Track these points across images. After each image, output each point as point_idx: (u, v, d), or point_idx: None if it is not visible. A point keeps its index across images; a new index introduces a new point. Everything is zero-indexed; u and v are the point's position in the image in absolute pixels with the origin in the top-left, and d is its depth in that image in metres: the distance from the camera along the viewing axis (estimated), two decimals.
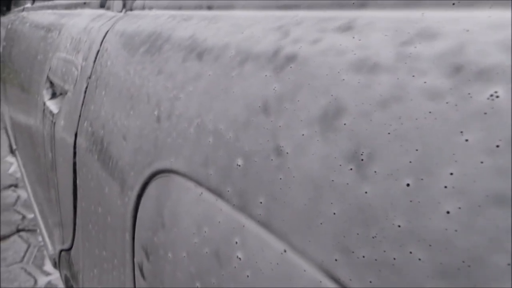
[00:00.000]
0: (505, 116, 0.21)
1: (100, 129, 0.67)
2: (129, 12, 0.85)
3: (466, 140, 0.22)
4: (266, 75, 0.37)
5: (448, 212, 0.22)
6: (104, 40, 0.81)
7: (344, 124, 0.29)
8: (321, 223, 0.28)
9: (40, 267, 2.32)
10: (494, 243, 0.20)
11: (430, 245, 0.23)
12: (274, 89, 0.35)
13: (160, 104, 0.51)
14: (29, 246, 2.51)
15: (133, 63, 0.62)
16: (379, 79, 0.28)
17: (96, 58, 0.80)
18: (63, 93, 0.97)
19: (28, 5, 2.36)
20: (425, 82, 0.25)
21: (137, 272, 0.52)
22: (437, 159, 0.23)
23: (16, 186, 3.34)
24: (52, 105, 1.04)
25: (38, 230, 2.67)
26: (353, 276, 0.26)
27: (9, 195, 3.19)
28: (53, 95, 1.08)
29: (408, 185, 0.24)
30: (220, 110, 0.40)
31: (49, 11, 1.63)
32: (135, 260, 0.53)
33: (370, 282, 0.25)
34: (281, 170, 0.32)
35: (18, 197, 3.16)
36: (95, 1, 1.10)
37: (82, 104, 0.80)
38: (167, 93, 0.50)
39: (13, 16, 2.63)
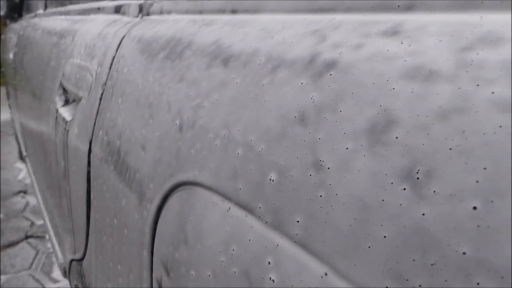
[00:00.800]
0: None
1: (116, 138, 0.65)
2: (146, 17, 0.83)
3: None
4: (302, 83, 0.34)
5: None
6: (120, 45, 0.79)
7: (396, 138, 0.26)
8: (369, 247, 0.26)
9: (48, 274, 2.32)
10: None
11: (502, 277, 0.20)
12: (312, 98, 0.33)
13: (182, 112, 0.48)
14: (37, 253, 2.52)
15: (151, 69, 0.60)
16: (437, 89, 0.25)
17: (111, 64, 0.78)
18: (77, 100, 0.96)
19: (40, 11, 2.36)
20: (493, 93, 0.23)
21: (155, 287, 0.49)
22: (510, 179, 0.21)
23: (25, 192, 3.37)
24: (65, 112, 1.02)
25: (46, 237, 2.67)
26: None
27: (18, 201, 3.21)
28: (66, 102, 1.07)
29: (475, 208, 0.21)
30: (250, 120, 0.38)
31: (62, 17, 1.63)
32: (153, 275, 0.50)
33: None
34: (322, 187, 0.29)
35: (27, 203, 3.18)
36: (109, 6, 1.09)
37: (97, 112, 0.78)
38: (190, 101, 0.47)
39: (25, 23, 2.64)
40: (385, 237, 0.25)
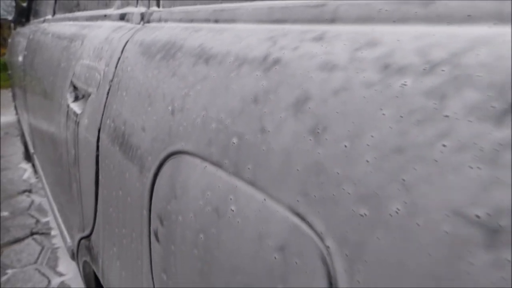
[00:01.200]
0: (409, 97, 0.32)
1: (121, 124, 0.78)
2: (146, 24, 0.95)
3: (383, 114, 0.33)
4: (257, 75, 0.47)
5: (367, 161, 0.33)
6: (125, 49, 0.91)
7: (309, 108, 0.39)
8: (289, 178, 0.39)
9: (53, 268, 2.40)
10: (393, 178, 0.31)
11: (354, 183, 0.33)
12: (262, 85, 0.46)
13: (173, 101, 0.62)
14: (42, 248, 2.60)
15: (150, 68, 0.73)
16: (335, 76, 0.39)
17: (117, 64, 0.90)
18: (86, 96, 1.06)
19: (49, 16, 2.44)
20: (364, 77, 0.36)
21: (153, 238, 0.63)
22: (365, 127, 0.34)
23: (30, 191, 3.43)
24: (76, 107, 1.13)
25: (51, 233, 2.72)
26: (308, 210, 0.37)
27: (23, 200, 3.28)
28: (76, 98, 1.18)
29: (345, 146, 0.35)
30: (221, 103, 0.51)
31: (71, 22, 1.73)
32: (151, 228, 0.64)
33: (319, 212, 0.36)
34: (264, 143, 0.43)
35: (32, 201, 3.25)
36: (115, 14, 1.20)
37: (105, 104, 0.90)
38: (180, 91, 0.61)
39: (34, 27, 2.72)
40: (298, 170, 0.38)
